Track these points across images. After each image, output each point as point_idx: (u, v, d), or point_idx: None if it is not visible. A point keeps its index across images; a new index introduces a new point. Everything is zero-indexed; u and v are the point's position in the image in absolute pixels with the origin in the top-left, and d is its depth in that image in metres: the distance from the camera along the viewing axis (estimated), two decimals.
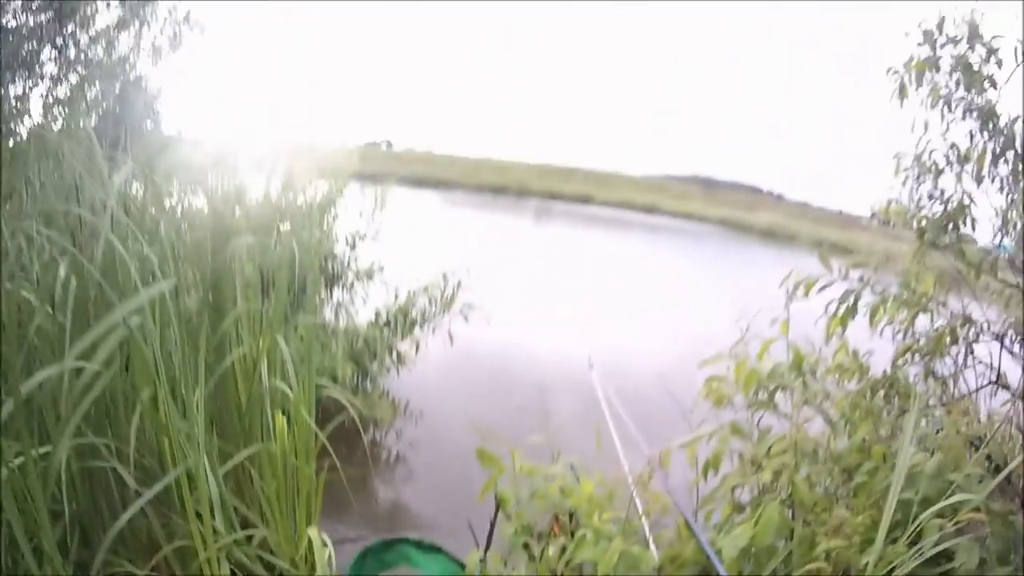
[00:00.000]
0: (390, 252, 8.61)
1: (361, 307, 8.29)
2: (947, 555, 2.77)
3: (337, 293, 8.30)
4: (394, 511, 5.89)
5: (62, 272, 3.38)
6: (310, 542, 3.44)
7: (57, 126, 7.16)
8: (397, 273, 8.47)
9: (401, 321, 8.10)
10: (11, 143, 6.57)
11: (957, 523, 2.71)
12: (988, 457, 3.35)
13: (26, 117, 7.47)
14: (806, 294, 3.86)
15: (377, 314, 8.18)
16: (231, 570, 3.46)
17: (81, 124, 5.87)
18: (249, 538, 3.64)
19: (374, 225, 8.57)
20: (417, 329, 8.22)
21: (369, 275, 8.41)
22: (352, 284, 8.34)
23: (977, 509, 2.74)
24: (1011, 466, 3.14)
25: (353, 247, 8.45)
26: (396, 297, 8.25)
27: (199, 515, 3.26)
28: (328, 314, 8.00)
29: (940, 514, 2.77)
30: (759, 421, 3.74)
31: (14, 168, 4.52)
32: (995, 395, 4.04)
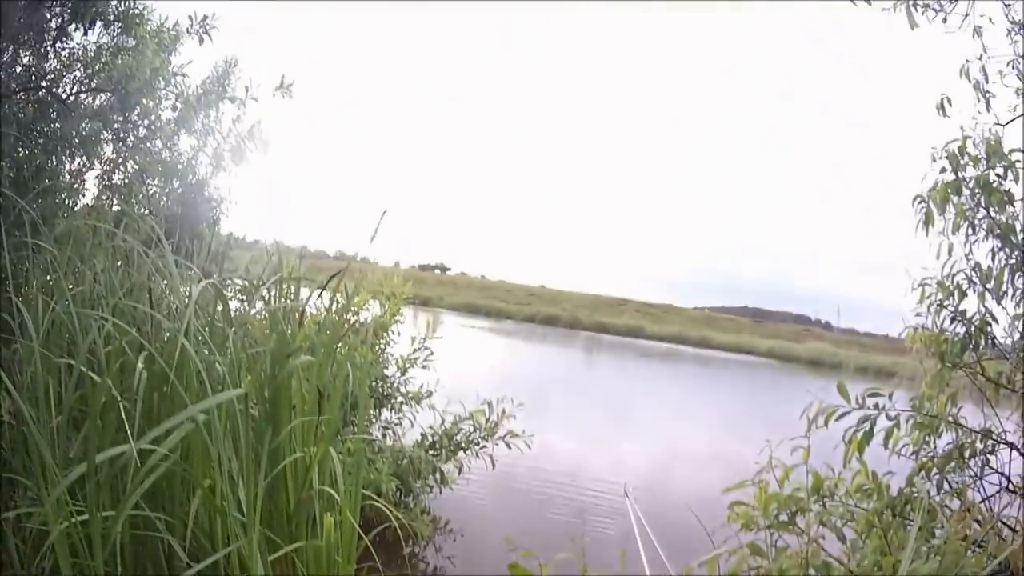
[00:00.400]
0: (440, 376, 8.74)
1: (408, 428, 8.45)
2: None
3: (386, 413, 8.45)
4: None
5: (139, 365, 3.66)
6: None
7: (113, 209, 7.26)
8: (445, 396, 8.60)
9: (446, 444, 8.30)
10: (64, 216, 6.73)
11: None
12: (993, 556, 3.42)
13: (80, 197, 7.48)
14: (826, 424, 3.96)
15: (423, 436, 8.36)
16: None
17: (143, 218, 6.14)
18: None
19: (424, 352, 8.71)
20: (461, 453, 8.41)
21: (417, 399, 8.55)
22: (401, 406, 8.49)
23: None
24: (1000, 557, 3.30)
25: (403, 372, 8.62)
26: (443, 422, 8.41)
27: None
28: (376, 433, 8.16)
29: None
30: (776, 541, 3.89)
31: (74, 248, 4.80)
32: (1002, 499, 4.14)
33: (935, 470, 4.19)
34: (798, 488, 3.96)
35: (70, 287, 4.23)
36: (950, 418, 4.25)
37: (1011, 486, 4.16)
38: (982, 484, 4.27)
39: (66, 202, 7.31)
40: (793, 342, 56.62)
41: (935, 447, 4.27)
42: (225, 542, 3.55)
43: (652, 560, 4.11)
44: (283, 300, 4.63)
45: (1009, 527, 4.03)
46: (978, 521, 3.90)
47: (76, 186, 7.52)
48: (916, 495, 3.99)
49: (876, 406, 3.98)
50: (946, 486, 4.23)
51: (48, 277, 4.46)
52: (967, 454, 4.19)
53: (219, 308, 4.39)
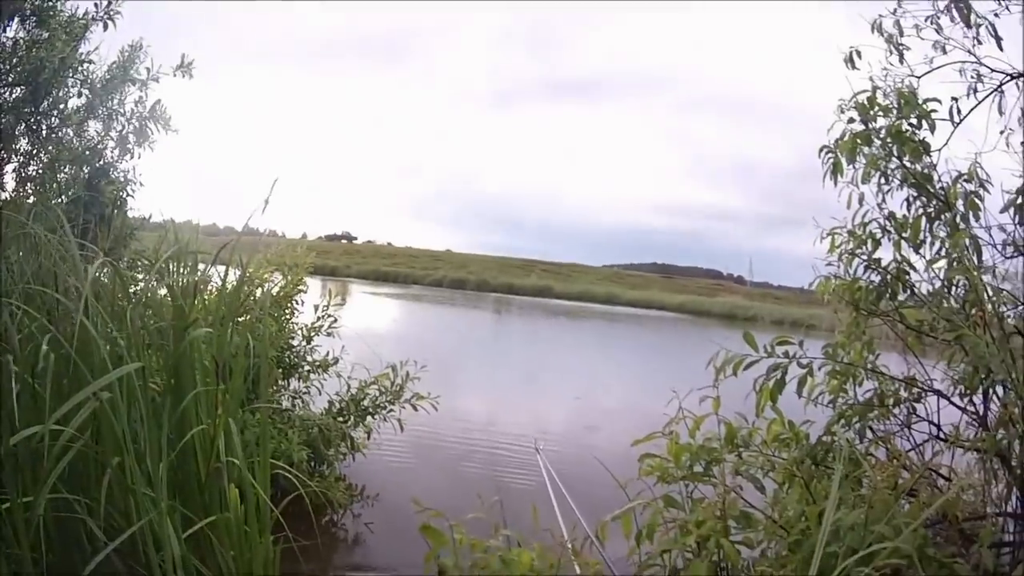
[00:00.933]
0: (346, 344, 8.75)
1: (317, 396, 8.41)
2: None
3: (294, 383, 8.41)
4: None
5: (44, 347, 3.59)
6: None
7: (29, 202, 7.21)
8: (352, 364, 8.58)
9: (353, 410, 8.29)
10: None
11: (878, 570, 2.84)
12: (927, 505, 3.44)
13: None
14: (734, 372, 3.98)
15: (331, 403, 8.32)
16: None
17: (49, 207, 6.05)
18: None
19: (328, 320, 8.72)
20: (369, 418, 8.40)
21: (324, 367, 8.52)
22: (308, 375, 8.45)
23: (908, 557, 2.86)
24: (935, 505, 3.34)
25: (309, 341, 8.60)
26: (348, 388, 8.39)
27: (164, 571, 3.40)
28: (285, 403, 8.10)
29: (865, 563, 2.86)
30: (692, 492, 3.95)
31: None
32: (933, 447, 4.21)
33: (856, 418, 4.21)
34: (710, 438, 4.00)
35: None
36: (868, 365, 4.33)
37: (941, 434, 4.21)
38: (910, 432, 4.34)
39: None
40: (705, 297, 57.53)
41: (855, 396, 4.33)
42: (138, 518, 3.49)
43: (567, 515, 4.12)
44: (181, 274, 4.55)
45: (943, 476, 4.09)
46: (906, 468, 3.96)
47: None
48: (836, 443, 4.04)
49: (786, 354, 4.03)
50: (869, 435, 4.27)
51: None
52: (890, 402, 4.24)
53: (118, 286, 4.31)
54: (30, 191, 7.56)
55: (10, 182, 7.72)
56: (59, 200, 7.18)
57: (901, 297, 4.53)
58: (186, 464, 3.91)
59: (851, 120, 4.61)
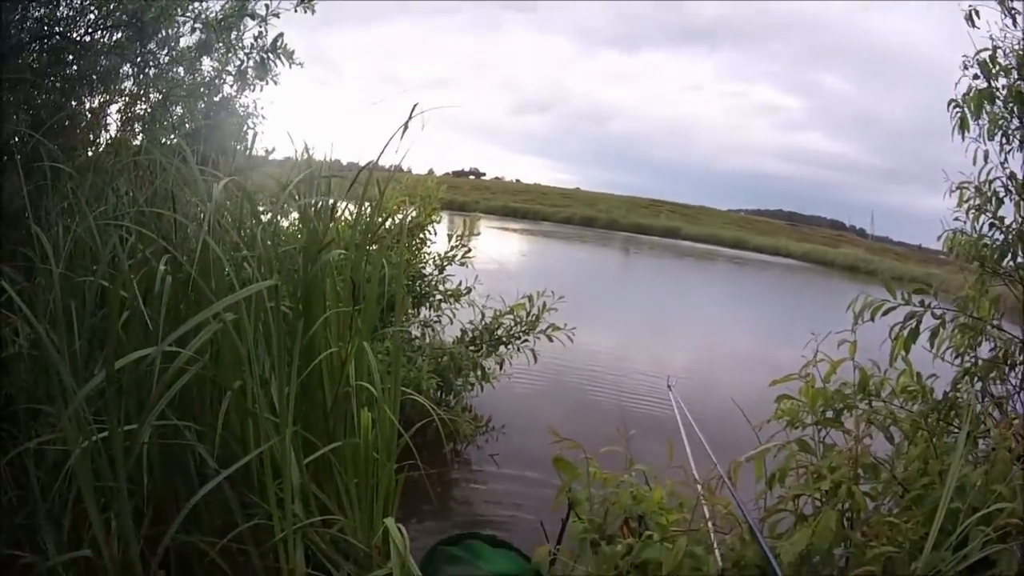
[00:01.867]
0: (479, 274, 8.66)
1: (448, 325, 8.42)
2: (990, 563, 2.83)
3: (425, 312, 8.44)
4: (471, 517, 5.96)
5: (161, 268, 3.57)
6: (385, 533, 3.44)
7: (136, 141, 7.16)
8: (484, 294, 8.52)
9: (486, 339, 8.27)
10: (89, 153, 6.68)
11: (998, 530, 2.78)
12: None
13: (102, 132, 7.38)
14: (872, 318, 3.88)
15: (463, 332, 8.32)
16: (306, 553, 3.53)
17: (164, 141, 6.05)
18: (326, 524, 3.73)
19: (462, 249, 8.67)
20: (502, 348, 8.36)
21: (456, 297, 8.48)
22: (439, 304, 8.44)
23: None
24: None
25: (441, 270, 8.58)
26: (483, 317, 8.35)
27: (280, 499, 3.39)
28: (415, 331, 8.18)
29: (985, 523, 2.83)
30: (824, 438, 3.85)
31: (96, 175, 4.75)
32: None
33: (978, 376, 4.05)
34: (845, 383, 3.92)
35: (92, 210, 4.12)
36: (995, 322, 4.14)
37: None
38: (1021, 397, 4.12)
39: (88, 136, 7.25)
40: (828, 247, 56.40)
41: (976, 354, 4.13)
42: (257, 445, 3.49)
43: (697, 455, 4.04)
44: (312, 200, 4.50)
45: None
46: (1018, 436, 3.80)
47: (98, 121, 7.41)
48: (961, 401, 3.92)
49: (922, 303, 3.89)
50: (988, 396, 4.10)
51: (67, 203, 4.34)
52: (1009, 363, 4.06)
53: (246, 207, 4.27)
54: (138, 130, 7.52)
55: (115, 123, 7.70)
56: (171, 137, 7.07)
57: (1021, 259, 4.30)
58: (311, 390, 3.89)
59: (975, 76, 4.40)
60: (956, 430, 3.80)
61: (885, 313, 3.88)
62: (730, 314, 21.90)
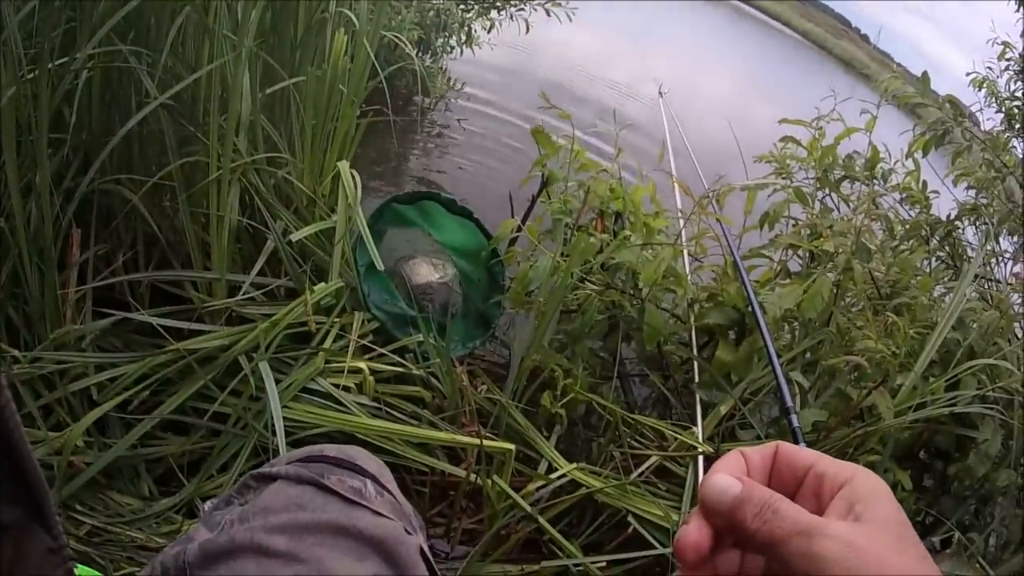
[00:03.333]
0: None
1: None
2: (973, 424, 2.80)
3: None
4: (431, 176, 5.82)
5: None
6: (335, 180, 3.26)
7: None
8: None
9: None
10: None
11: (996, 387, 2.73)
12: None
13: None
14: (898, 105, 3.94)
15: None
16: (241, 201, 3.15)
17: None
18: (272, 165, 3.33)
19: None
20: (494, 12, 8.01)
21: None
22: None
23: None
24: None
25: None
26: None
27: (223, 134, 2.98)
28: None
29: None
30: (823, 199, 3.77)
31: None
32: None
33: (982, 220, 3.96)
34: (855, 153, 3.81)
35: None
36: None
37: None
38: None
39: None
40: (830, 36, 55.44)
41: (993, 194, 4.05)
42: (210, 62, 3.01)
43: (681, 170, 3.86)
44: None
45: None
46: None
47: None
48: (961, 229, 3.87)
49: (955, 115, 3.79)
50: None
51: None
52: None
53: None
54: None
55: None
56: None
57: None
58: (283, 17, 3.37)
59: None
60: (950, 261, 3.81)
61: (914, 107, 3.92)
62: (724, 59, 21.34)
